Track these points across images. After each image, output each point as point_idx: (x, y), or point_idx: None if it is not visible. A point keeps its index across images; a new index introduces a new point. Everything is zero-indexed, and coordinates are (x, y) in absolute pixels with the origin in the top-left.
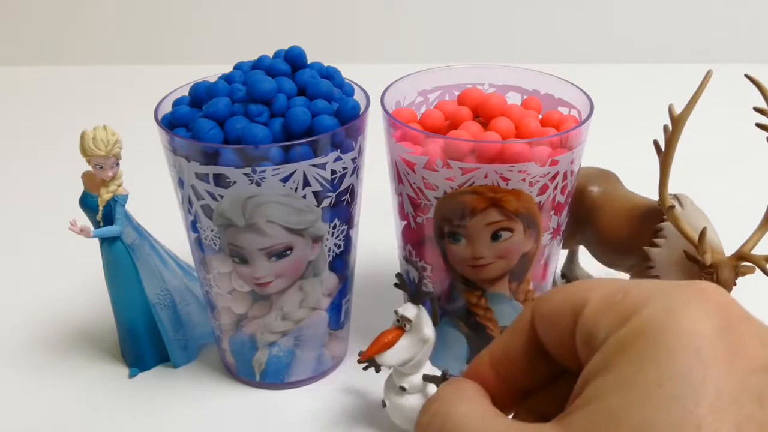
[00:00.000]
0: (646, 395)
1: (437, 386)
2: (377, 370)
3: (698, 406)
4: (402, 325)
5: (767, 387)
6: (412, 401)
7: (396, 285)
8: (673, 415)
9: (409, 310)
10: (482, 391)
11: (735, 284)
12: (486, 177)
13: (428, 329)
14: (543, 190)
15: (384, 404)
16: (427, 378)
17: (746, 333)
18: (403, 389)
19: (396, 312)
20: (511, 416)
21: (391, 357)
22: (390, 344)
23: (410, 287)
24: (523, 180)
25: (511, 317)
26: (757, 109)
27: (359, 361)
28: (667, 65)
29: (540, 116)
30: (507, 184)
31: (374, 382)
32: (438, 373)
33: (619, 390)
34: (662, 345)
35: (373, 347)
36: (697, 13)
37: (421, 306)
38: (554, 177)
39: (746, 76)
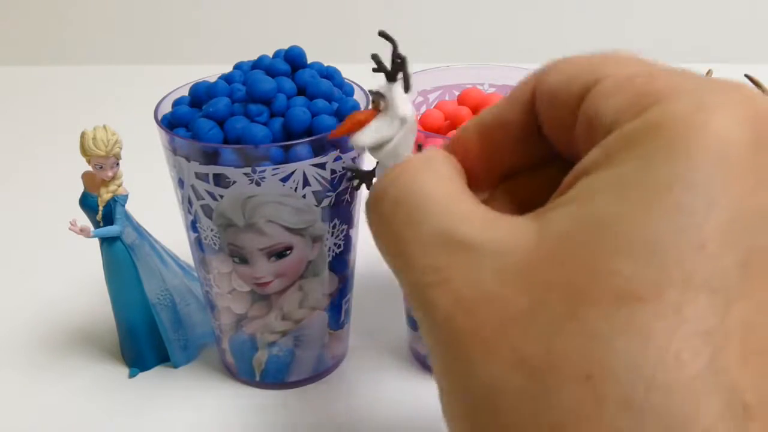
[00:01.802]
0: (649, 199)
1: None
2: (358, 184)
3: (707, 222)
4: (376, 104)
5: None
6: None
7: (374, 70)
8: (674, 227)
9: (383, 87)
10: (458, 166)
11: None
12: None
13: (406, 107)
14: None
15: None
16: None
17: None
18: None
19: (370, 91)
20: (484, 199)
21: (365, 136)
22: (364, 123)
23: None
24: None
25: None
26: None
27: (328, 139)
28: None
29: None
30: None
31: (374, 383)
32: None
33: (617, 189)
34: (682, 145)
35: (345, 125)
36: (697, 13)
37: (397, 84)
38: None
39: (746, 75)
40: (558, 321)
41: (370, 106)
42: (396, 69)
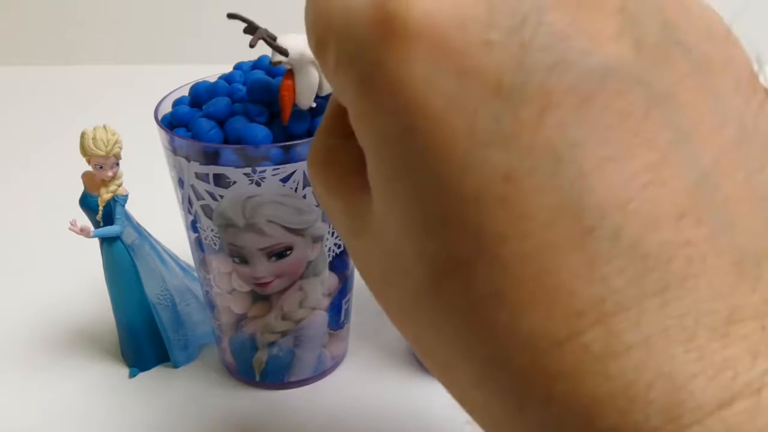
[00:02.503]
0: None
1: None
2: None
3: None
4: (286, 63)
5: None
6: None
7: (245, 30)
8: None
9: (275, 55)
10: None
11: None
12: None
13: (300, 46)
14: None
15: None
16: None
17: None
18: None
19: (274, 63)
20: None
21: (304, 96)
22: (292, 88)
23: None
24: None
25: None
26: None
27: (285, 123)
28: None
29: None
30: None
31: (374, 383)
32: None
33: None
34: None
35: (284, 105)
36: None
37: (281, 37)
38: None
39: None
40: None
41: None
42: (254, 27)
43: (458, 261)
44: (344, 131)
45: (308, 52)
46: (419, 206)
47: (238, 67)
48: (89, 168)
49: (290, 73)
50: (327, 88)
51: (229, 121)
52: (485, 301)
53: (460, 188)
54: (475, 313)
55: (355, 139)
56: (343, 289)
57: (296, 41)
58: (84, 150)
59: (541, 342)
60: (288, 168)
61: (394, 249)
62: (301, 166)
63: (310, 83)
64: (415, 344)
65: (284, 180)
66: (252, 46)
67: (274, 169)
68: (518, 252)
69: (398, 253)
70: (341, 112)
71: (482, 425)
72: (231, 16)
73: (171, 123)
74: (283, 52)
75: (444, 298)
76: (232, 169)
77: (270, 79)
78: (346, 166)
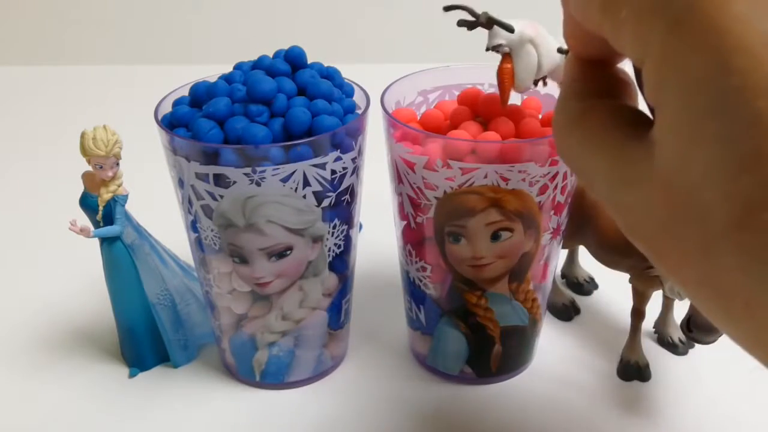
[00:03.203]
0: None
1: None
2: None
3: None
4: (501, 51)
5: None
6: None
7: (470, 28)
8: None
9: (495, 38)
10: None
11: None
12: (486, 177)
13: (522, 28)
14: (543, 190)
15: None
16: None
17: None
18: None
19: (489, 49)
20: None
21: (523, 78)
22: (511, 72)
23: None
24: (523, 180)
25: (511, 317)
26: None
27: (502, 107)
28: None
29: (540, 116)
30: (507, 184)
31: (374, 383)
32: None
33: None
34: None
35: (503, 88)
36: None
37: (495, 28)
38: (554, 177)
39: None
40: None
41: (500, 57)
42: (485, 23)
43: None
44: (595, 91)
45: (527, 33)
46: (732, 144)
47: (238, 67)
48: (89, 168)
49: (508, 57)
50: (545, 69)
51: (229, 121)
52: None
53: None
54: None
55: (607, 97)
56: (343, 289)
57: (514, 22)
58: (84, 150)
59: None
60: (288, 168)
61: (688, 193)
62: (300, 166)
63: (530, 63)
64: (705, 290)
65: (284, 180)
66: (470, 28)
67: (274, 169)
68: None
69: (694, 197)
70: (586, 75)
71: None
72: (448, 8)
73: (171, 123)
74: (509, 28)
75: (756, 234)
76: (232, 169)
77: (270, 78)
78: (609, 121)
